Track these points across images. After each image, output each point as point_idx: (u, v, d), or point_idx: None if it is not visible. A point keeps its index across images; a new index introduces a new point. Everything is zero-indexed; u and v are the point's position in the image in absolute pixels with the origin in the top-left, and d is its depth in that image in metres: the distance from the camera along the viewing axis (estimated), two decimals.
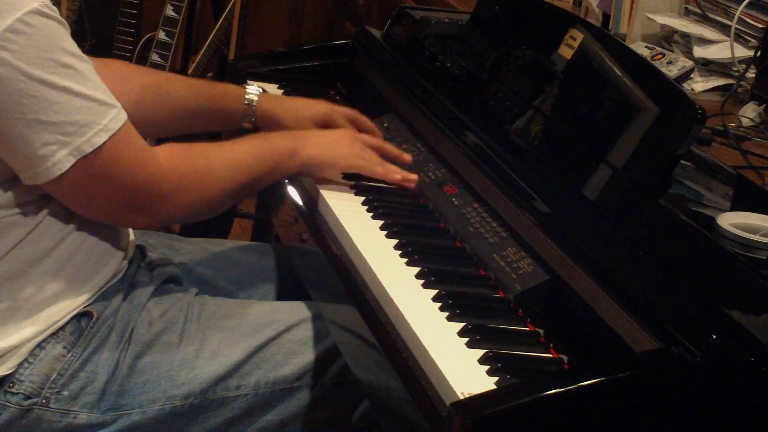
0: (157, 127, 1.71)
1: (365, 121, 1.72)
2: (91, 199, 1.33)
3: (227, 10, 3.04)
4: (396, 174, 1.57)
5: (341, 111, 1.73)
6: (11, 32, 1.19)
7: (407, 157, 1.62)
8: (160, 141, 2.55)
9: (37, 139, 1.24)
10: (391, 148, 1.63)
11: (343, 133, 1.62)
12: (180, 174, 1.36)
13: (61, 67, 1.23)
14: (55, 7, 1.25)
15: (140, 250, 1.57)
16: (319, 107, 1.73)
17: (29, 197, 1.31)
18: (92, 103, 1.26)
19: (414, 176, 1.58)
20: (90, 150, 1.26)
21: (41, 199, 1.32)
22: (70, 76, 1.24)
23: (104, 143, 1.27)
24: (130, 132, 1.31)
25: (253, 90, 1.71)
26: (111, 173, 1.30)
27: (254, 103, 1.69)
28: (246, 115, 1.70)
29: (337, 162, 1.55)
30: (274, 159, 1.49)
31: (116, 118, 1.28)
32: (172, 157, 1.36)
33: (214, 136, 2.58)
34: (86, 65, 1.27)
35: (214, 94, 1.71)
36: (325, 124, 1.70)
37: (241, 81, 1.99)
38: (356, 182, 1.57)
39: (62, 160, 1.25)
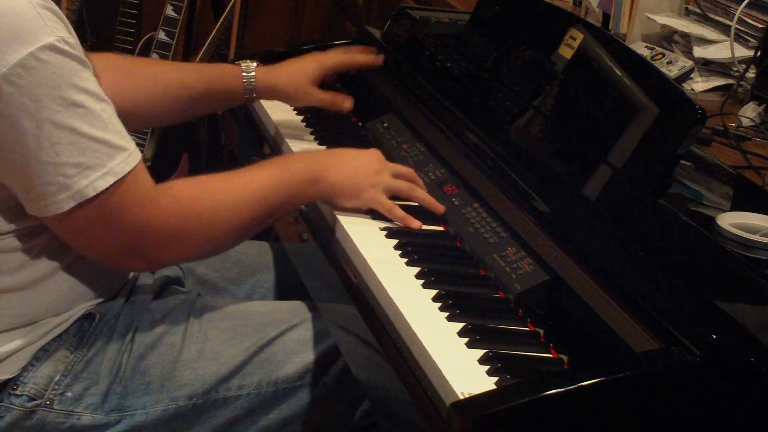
0: (161, 116, 1.71)
1: (359, 50, 1.81)
2: (88, 240, 1.29)
3: (227, 10, 3.04)
4: (414, 223, 1.44)
5: (333, 60, 1.77)
6: (21, 67, 1.15)
7: (440, 209, 1.49)
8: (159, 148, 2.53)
9: (37, 177, 1.20)
10: (423, 194, 1.50)
11: (373, 156, 1.51)
12: (184, 218, 1.31)
13: (69, 105, 1.19)
14: (74, 42, 1.21)
15: None
16: (311, 68, 1.74)
17: (33, 221, 1.29)
18: (100, 145, 1.21)
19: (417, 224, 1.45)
20: (93, 194, 1.22)
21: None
22: (79, 115, 1.19)
23: (108, 187, 1.22)
24: (138, 176, 1.26)
25: (250, 66, 1.71)
26: (111, 217, 1.25)
27: (252, 80, 1.70)
28: (246, 92, 1.71)
29: (360, 196, 1.45)
30: (291, 187, 1.41)
31: (126, 161, 1.24)
32: (176, 200, 1.31)
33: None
34: (101, 104, 1.22)
35: (212, 77, 1.71)
36: (323, 76, 1.74)
37: None
38: None
39: (60, 201, 1.21)
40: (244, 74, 1.70)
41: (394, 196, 1.49)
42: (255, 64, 1.73)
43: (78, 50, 1.21)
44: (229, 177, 1.39)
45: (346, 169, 1.46)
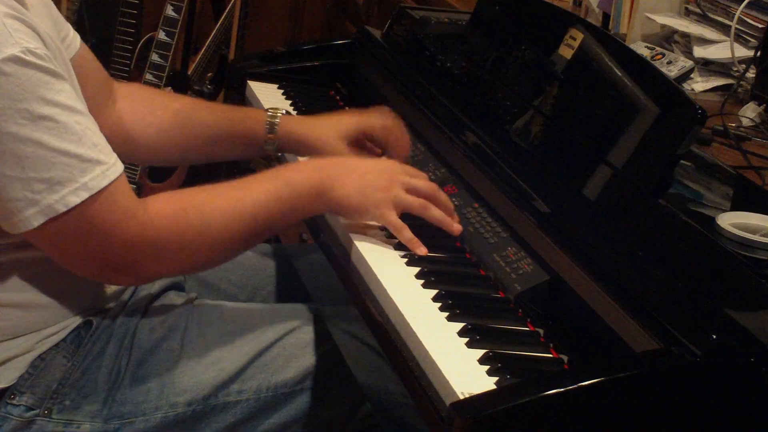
0: (181, 153, 1.63)
1: (401, 130, 1.58)
2: (68, 256, 1.25)
3: (227, 10, 3.05)
4: (420, 250, 1.36)
5: (371, 124, 1.58)
6: None
7: (456, 228, 1.41)
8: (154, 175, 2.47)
9: (3, 192, 1.16)
10: (444, 204, 1.41)
11: (384, 169, 1.41)
12: (167, 234, 1.25)
13: (36, 119, 1.14)
14: (45, 53, 1.16)
15: None
16: (345, 123, 1.58)
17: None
18: (71, 159, 1.16)
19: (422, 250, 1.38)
20: (64, 209, 1.17)
21: None
22: (47, 128, 1.15)
23: (82, 202, 1.18)
24: (117, 190, 1.21)
25: (278, 110, 1.59)
26: (88, 233, 1.21)
27: (276, 127, 1.57)
28: (268, 140, 1.58)
29: (368, 212, 1.37)
30: (294, 201, 1.34)
31: (102, 175, 1.19)
32: (158, 215, 1.25)
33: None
34: (75, 117, 1.18)
35: (235, 118, 1.61)
36: (357, 139, 1.58)
37: (240, 81, 1.99)
38: None
39: (29, 217, 1.17)
40: (267, 120, 1.57)
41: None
42: (284, 110, 1.60)
43: (49, 61, 1.17)
44: (222, 190, 1.33)
45: (354, 181, 1.37)
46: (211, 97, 3.10)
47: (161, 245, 1.26)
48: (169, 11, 2.92)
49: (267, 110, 1.60)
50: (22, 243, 1.27)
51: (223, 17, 3.07)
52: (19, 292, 1.31)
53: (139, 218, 1.24)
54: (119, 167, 1.22)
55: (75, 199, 1.18)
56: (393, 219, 1.38)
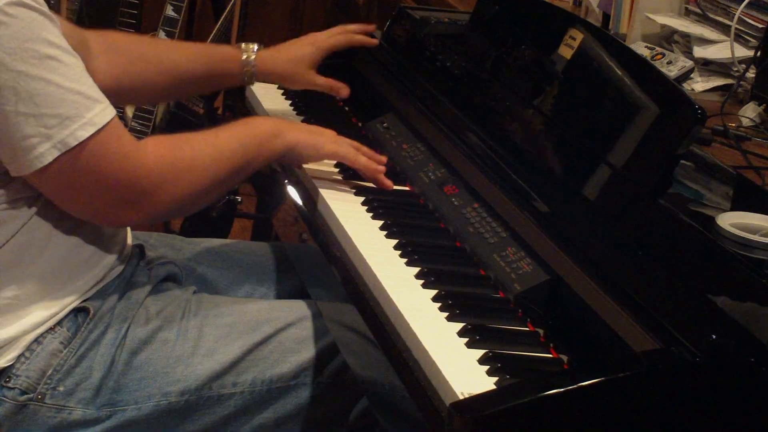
0: (159, 95, 1.78)
1: (355, 28, 1.84)
2: (77, 194, 1.31)
3: (227, 10, 3.04)
4: (378, 173, 1.55)
5: (327, 41, 1.81)
6: None
7: (383, 159, 1.60)
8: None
9: (18, 131, 1.22)
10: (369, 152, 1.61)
11: (326, 128, 1.61)
12: (166, 166, 1.34)
13: (43, 58, 1.21)
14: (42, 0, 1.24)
15: (139, 249, 1.57)
16: (308, 49, 1.80)
17: (22, 193, 1.31)
18: (76, 96, 1.24)
19: (389, 183, 1.56)
20: (75, 143, 1.24)
21: (34, 193, 1.32)
22: (52, 68, 1.22)
23: (90, 137, 1.25)
24: (117, 127, 1.29)
25: (251, 49, 1.75)
26: (97, 168, 1.28)
27: (252, 63, 1.74)
28: (246, 75, 1.75)
29: (323, 146, 1.53)
30: (257, 141, 1.47)
31: (103, 113, 1.27)
32: (157, 150, 1.34)
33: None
34: (72, 58, 1.25)
35: (214, 60, 1.75)
36: (321, 59, 1.80)
37: None
38: (355, 182, 1.58)
39: (44, 153, 1.24)
40: (244, 58, 1.74)
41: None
42: (256, 46, 1.76)
43: (44, 6, 1.23)
44: (202, 132, 1.44)
45: (302, 127, 1.57)
46: (211, 97, 3.10)
47: (165, 174, 1.33)
48: (169, 11, 2.92)
49: (240, 46, 1.75)
50: (15, 199, 1.30)
51: (223, 17, 3.06)
52: (12, 252, 1.32)
53: (143, 150, 1.32)
54: (113, 109, 1.30)
55: (84, 134, 1.25)
56: (344, 151, 1.54)
